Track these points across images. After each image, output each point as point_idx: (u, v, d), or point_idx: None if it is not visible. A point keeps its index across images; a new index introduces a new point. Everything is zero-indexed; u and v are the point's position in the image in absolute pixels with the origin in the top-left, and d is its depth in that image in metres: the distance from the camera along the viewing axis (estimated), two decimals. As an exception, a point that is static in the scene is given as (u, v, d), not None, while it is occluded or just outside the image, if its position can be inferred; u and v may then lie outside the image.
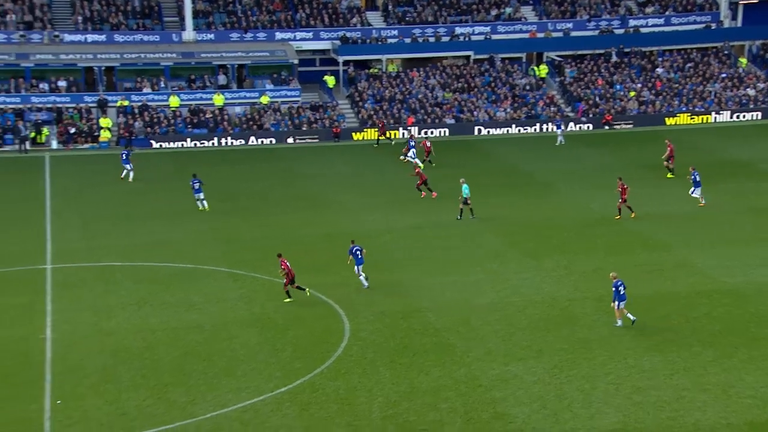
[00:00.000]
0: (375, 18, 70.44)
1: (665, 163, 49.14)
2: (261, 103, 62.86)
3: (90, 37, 64.31)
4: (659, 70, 68.96)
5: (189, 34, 65.63)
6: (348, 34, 67.53)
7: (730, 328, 28.87)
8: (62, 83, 61.56)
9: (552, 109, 64.88)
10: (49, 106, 59.84)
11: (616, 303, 28.85)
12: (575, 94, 66.30)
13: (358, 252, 32.90)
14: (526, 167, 52.34)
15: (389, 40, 68.53)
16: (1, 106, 59.11)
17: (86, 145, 58.02)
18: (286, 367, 26.43)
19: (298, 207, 44.37)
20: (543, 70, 68.55)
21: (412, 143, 53.19)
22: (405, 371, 26.14)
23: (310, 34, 67.78)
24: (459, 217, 40.98)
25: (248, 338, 28.56)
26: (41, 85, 61.13)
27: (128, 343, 28.13)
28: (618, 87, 66.95)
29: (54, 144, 57.79)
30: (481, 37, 69.73)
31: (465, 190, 40.86)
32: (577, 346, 27.73)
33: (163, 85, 63.07)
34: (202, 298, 31.86)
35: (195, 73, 64.24)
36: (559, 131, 58.78)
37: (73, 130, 57.86)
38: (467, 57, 69.47)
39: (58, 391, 24.83)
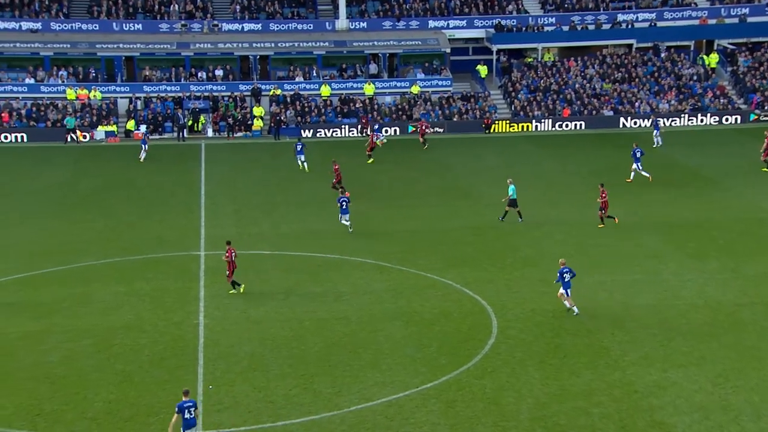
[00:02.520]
0: (532, 5, 69.47)
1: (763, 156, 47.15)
2: (411, 92, 63.30)
3: (246, 26, 66.66)
4: None
5: (342, 22, 66.86)
6: (503, 22, 66.90)
7: None
8: (219, 72, 64.16)
9: (722, 101, 62.03)
10: (206, 94, 62.49)
11: (562, 290, 29.10)
12: (749, 85, 63.07)
13: (344, 203, 38.29)
14: (689, 162, 50.31)
15: (546, 28, 67.40)
16: (162, 95, 62.22)
17: (239, 134, 60.22)
18: (432, 363, 26.52)
19: (446, 199, 44.42)
20: (713, 59, 65.59)
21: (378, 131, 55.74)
22: (555, 372, 25.71)
23: (464, 22, 67.60)
24: (502, 219, 39.75)
25: (393, 332, 28.85)
26: (199, 74, 63.91)
27: (276, 331, 28.99)
28: (797, 76, 63.26)
29: (210, 132, 60.33)
30: (646, 25, 67.47)
31: (511, 190, 39.48)
32: (745, 354, 26.43)
33: (315, 74, 64.60)
34: (348, 290, 32.43)
35: (346, 62, 65.44)
36: (656, 131, 54.23)
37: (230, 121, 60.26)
38: (629, 45, 67.40)
39: (210, 377, 25.89)
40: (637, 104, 61.87)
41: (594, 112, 61.44)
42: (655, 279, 32.69)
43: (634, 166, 45.84)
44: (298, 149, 49.89)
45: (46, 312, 30.55)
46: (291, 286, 32.93)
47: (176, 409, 21.45)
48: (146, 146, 53.06)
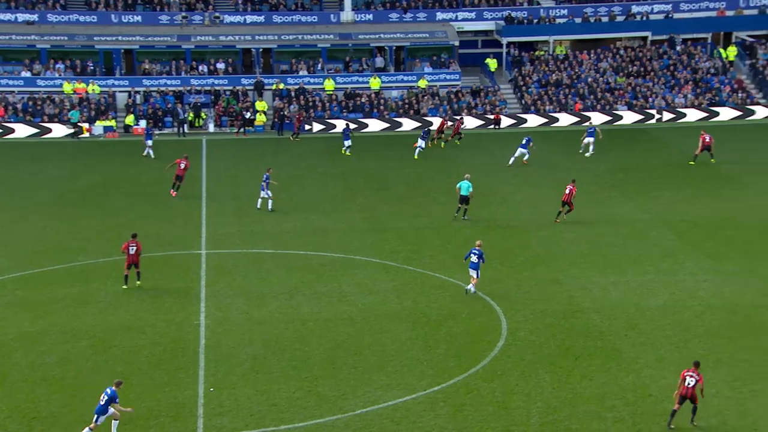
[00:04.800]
0: (543, -4, 69.43)
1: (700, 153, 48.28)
2: (419, 86, 63.28)
3: (249, 18, 66.70)
4: None
5: (347, 14, 66.85)
6: (513, 14, 66.82)
7: None
8: (221, 65, 64.19)
9: (740, 95, 61.88)
10: (207, 88, 62.54)
11: (471, 270, 30.98)
12: None
13: (266, 180, 40.63)
14: (705, 159, 50.19)
15: (558, 20, 67.28)
16: (162, 88, 62.31)
17: (242, 129, 60.20)
18: (439, 365, 26.55)
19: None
20: (731, 52, 65.39)
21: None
22: (566, 376, 25.71)
23: (473, 14, 67.55)
24: (457, 215, 40.15)
25: (399, 333, 28.89)
26: (200, 67, 63.98)
27: (279, 332, 29.05)
28: (817, 70, 63.06)
29: (211, 127, 60.38)
30: (661, 16, 67.32)
31: (465, 186, 39.66)
32: (763, 357, 26.42)
33: (319, 67, 64.61)
34: (353, 290, 32.47)
35: (352, 56, 65.43)
36: (590, 138, 51.68)
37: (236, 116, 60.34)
38: (644, 38, 67.27)
39: (211, 379, 25.96)
40: (651, 99, 61.75)
41: (607, 107, 61.33)
42: (669, 279, 32.66)
43: (521, 151, 49.20)
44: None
45: (43, 312, 30.65)
46: (294, 285, 32.99)
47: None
48: (151, 142, 52.88)
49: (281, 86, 62.79)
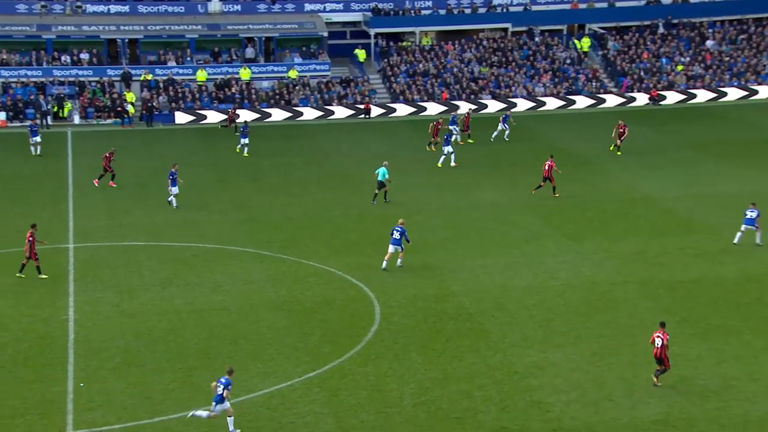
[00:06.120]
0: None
1: (618, 141, 49.25)
2: (289, 77, 62.91)
3: (113, 8, 64.74)
4: (709, 43, 67.93)
5: (215, 5, 65.77)
6: (380, 6, 67.27)
7: (781, 316, 28.54)
8: (84, 56, 62.05)
9: (594, 84, 64.24)
10: (71, 79, 60.35)
11: (390, 247, 32.10)
12: (619, 69, 65.55)
13: (172, 176, 39.56)
14: (565, 145, 51.90)
15: (423, 12, 68.18)
16: (23, 80, 59.70)
17: (109, 120, 58.46)
18: (315, 352, 26.55)
19: (328, 186, 44.43)
20: (585, 43, 67.82)
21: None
22: (438, 357, 26.16)
23: (341, 6, 67.64)
24: (374, 201, 40.79)
25: (275, 321, 28.73)
26: (63, 58, 61.63)
27: (152, 324, 28.40)
28: (665, 61, 66.09)
29: (76, 119, 58.33)
30: (520, 8, 69.17)
31: (382, 172, 40.48)
32: (618, 332, 27.56)
33: (188, 58, 63.33)
34: (228, 280, 32.07)
35: (221, 46, 64.42)
36: (503, 125, 52.89)
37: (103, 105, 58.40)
38: (505, 29, 68.92)
39: (81, 374, 25.14)
40: (513, 88, 63.36)
41: (472, 96, 62.56)
42: (533, 261, 33.65)
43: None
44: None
45: None
46: (167, 277, 32.30)
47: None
48: (38, 138, 49.83)
49: (149, 77, 61.24)
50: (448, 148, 46.81)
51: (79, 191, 43.46)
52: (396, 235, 32.27)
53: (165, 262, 33.83)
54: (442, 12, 68.21)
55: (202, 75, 61.77)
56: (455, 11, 68.30)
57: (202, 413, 22.22)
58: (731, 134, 53.57)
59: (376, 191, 40.75)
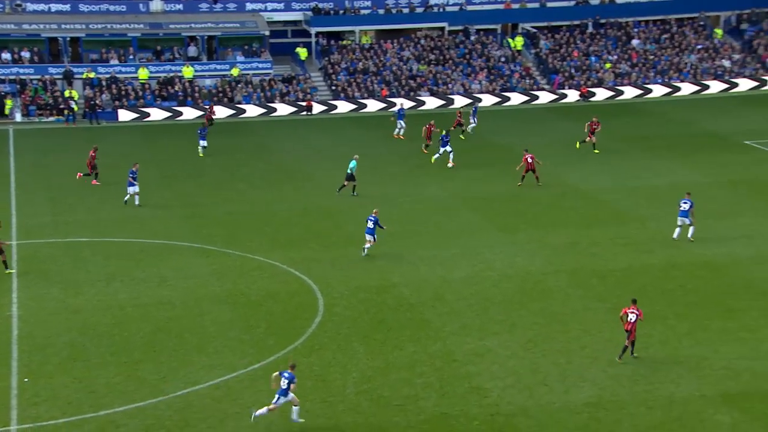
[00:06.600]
0: (347, -12, 69.94)
1: (593, 138, 48.96)
2: (232, 75, 62.31)
3: (54, 6, 63.34)
4: (635, 42, 69.14)
5: (156, 4, 64.83)
6: (320, 5, 67.01)
7: (704, 300, 29.19)
8: (25, 54, 60.62)
9: (528, 81, 64.91)
10: (12, 77, 58.91)
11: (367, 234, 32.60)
12: (551, 66, 66.34)
13: (133, 174, 38.46)
14: (502, 140, 52.36)
15: (362, 11, 68.12)
16: (-37, 78, 58.18)
17: (52, 118, 57.25)
18: (260, 344, 26.38)
19: (271, 182, 44.15)
20: (519, 42, 68.47)
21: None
22: (380, 347, 26.20)
23: (282, 5, 67.22)
24: (339, 192, 40.95)
25: (220, 314, 28.47)
26: (3, 56, 60.14)
27: (97, 319, 27.92)
28: (593, 59, 67.08)
29: (18, 116, 56.98)
30: (456, 8, 69.52)
31: (352, 165, 40.70)
32: (552, 320, 27.92)
33: (131, 56, 62.30)
34: (173, 274, 31.67)
35: (163, 45, 63.51)
36: (473, 117, 53.49)
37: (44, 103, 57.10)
38: (442, 28, 69.21)
39: (25, 370, 24.61)
40: (451, 85, 63.68)
41: (411, 93, 62.73)
42: (470, 252, 33.89)
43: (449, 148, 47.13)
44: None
45: None
46: (112, 272, 31.77)
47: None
48: None
49: (92, 75, 60.10)
50: (446, 148, 45.90)
51: (22, 188, 42.49)
52: (370, 224, 32.85)
53: (110, 257, 33.27)
54: (381, 12, 68.23)
55: (143, 73, 60.82)
56: (393, 11, 68.37)
57: (263, 411, 21.96)
58: (656, 129, 54.61)
59: (345, 183, 40.74)
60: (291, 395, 21.95)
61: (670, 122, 56.57)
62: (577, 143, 49.32)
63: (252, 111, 59.77)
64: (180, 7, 65.57)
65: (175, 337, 26.83)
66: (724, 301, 29.19)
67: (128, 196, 39.28)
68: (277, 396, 21.89)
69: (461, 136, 51.95)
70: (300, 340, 26.61)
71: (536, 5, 70.78)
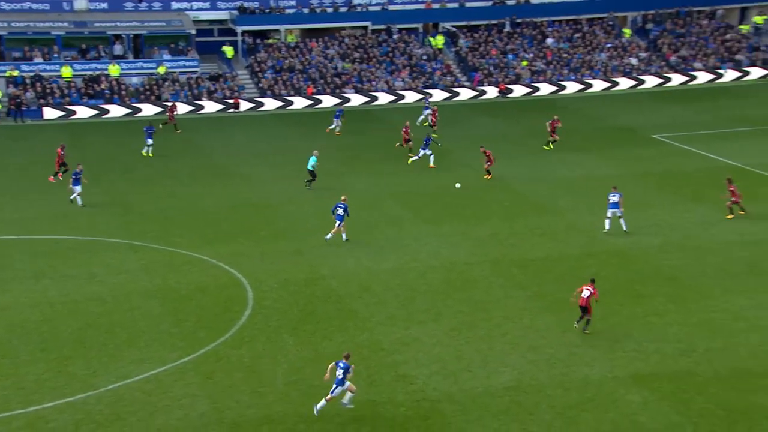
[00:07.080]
0: (272, -13, 69.36)
1: (555, 136, 49.44)
2: (158, 73, 61.23)
3: (-25, 5, 61.27)
4: (549, 41, 70.35)
5: (81, 2, 63.28)
6: (246, 4, 66.35)
7: (616, 287, 29.92)
8: (-54, 52, 58.58)
9: (449, 78, 65.43)
10: (-66, 76, 56.84)
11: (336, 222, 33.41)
12: (471, 64, 67.02)
13: (76, 175, 37.56)
14: (421, 136, 52.60)
15: (287, 11, 67.67)
16: None
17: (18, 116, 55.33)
18: (190, 337, 26.06)
19: (200, 178, 43.58)
20: (439, 41, 68.97)
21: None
22: (309, 338, 26.15)
23: (207, 4, 66.34)
24: (309, 187, 41.06)
25: (150, 309, 28.02)
26: (-77, 54, 57.98)
27: (25, 316, 27.19)
28: (511, 57, 68.01)
29: (-60, 115, 55.01)
30: (378, 8, 69.63)
31: (312, 161, 40.79)
32: (475, 308, 28.27)
33: (55, 55, 60.66)
34: (102, 270, 31.04)
35: (88, 43, 62.00)
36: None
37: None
38: (365, 27, 69.24)
39: (-47, 369, 23.84)
40: (375, 82, 63.78)
41: (337, 90, 62.62)
42: (397, 244, 34.05)
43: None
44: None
45: None
46: (40, 269, 30.97)
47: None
48: None
49: (15, 73, 58.32)
50: (426, 151, 44.92)
51: (-54, 187, 41.04)
52: (339, 211, 33.39)
53: (38, 255, 32.41)
54: (306, 11, 67.90)
55: (67, 71, 59.29)
56: (318, 10, 68.12)
57: (322, 403, 21.72)
58: (570, 124, 55.54)
59: (310, 177, 40.82)
60: (347, 383, 21.89)
61: (583, 118, 57.74)
62: (544, 146, 48.93)
63: (179, 108, 58.85)
64: (105, 5, 64.09)
65: (105, 332, 26.31)
66: (633, 287, 29.98)
67: (74, 195, 38.30)
68: (334, 385, 21.77)
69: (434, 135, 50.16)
70: (230, 332, 26.37)
71: (455, 5, 71.41)
